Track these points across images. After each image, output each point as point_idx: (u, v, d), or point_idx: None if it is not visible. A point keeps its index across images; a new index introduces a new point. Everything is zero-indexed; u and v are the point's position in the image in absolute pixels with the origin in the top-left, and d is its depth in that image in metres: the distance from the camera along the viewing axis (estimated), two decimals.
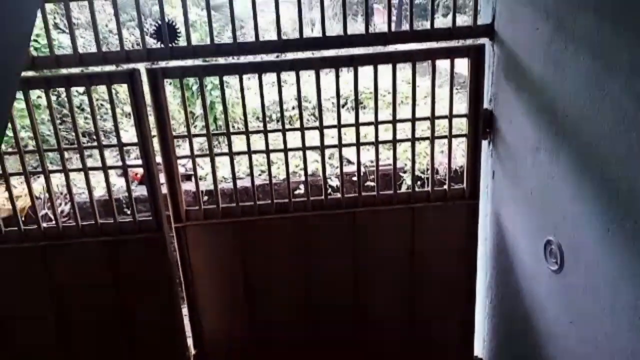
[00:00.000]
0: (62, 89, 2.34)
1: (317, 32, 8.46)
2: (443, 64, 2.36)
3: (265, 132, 2.33)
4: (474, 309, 2.62)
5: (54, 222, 2.34)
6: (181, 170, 4.83)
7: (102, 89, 2.28)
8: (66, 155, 2.35)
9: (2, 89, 0.85)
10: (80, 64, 2.23)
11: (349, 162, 4.83)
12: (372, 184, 2.48)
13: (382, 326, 2.63)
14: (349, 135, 2.38)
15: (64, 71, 2.38)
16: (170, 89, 6.74)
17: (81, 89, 2.41)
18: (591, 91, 1.60)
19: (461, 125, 2.44)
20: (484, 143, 2.40)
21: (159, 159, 2.32)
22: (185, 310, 2.50)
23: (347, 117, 2.26)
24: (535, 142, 1.96)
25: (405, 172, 4.57)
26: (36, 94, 4.98)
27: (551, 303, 1.97)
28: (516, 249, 2.22)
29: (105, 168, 2.32)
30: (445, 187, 2.45)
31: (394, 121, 2.34)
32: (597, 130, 1.59)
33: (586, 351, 1.76)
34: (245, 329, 2.57)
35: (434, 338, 2.66)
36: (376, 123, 2.34)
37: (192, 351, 2.52)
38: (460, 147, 2.45)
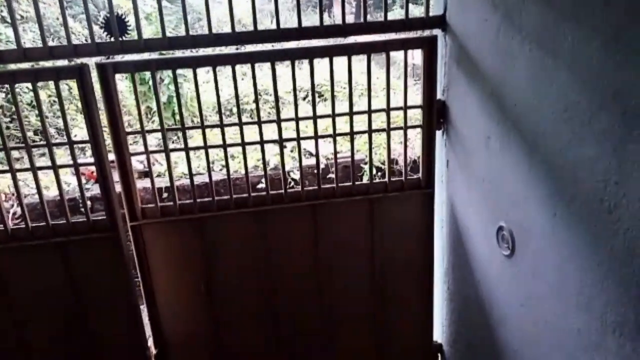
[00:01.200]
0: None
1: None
2: (400, 56, 2.39)
3: (222, 126, 2.30)
4: (432, 296, 2.68)
5: (1, 225, 2.24)
6: (140, 166, 4.71)
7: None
8: (18, 154, 2.25)
9: None
10: (25, 59, 2.13)
11: (310, 154, 4.83)
12: (333, 176, 2.49)
13: (344, 317, 2.66)
14: (309, 128, 2.39)
15: (12, 66, 2.28)
16: (127, 84, 6.56)
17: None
18: (538, 80, 1.66)
19: (417, 116, 2.48)
20: (438, 133, 2.45)
21: (113, 156, 2.25)
22: (144, 311, 2.45)
23: (308, 109, 2.26)
24: (486, 131, 2.01)
25: (365, 163, 4.61)
26: None
27: (503, 287, 2.03)
28: (471, 235, 2.28)
29: (55, 167, 2.23)
30: (402, 177, 2.48)
31: (351, 113, 2.35)
32: (543, 118, 1.65)
33: (537, 331, 1.83)
34: (207, 327, 2.54)
35: (395, 325, 2.71)
36: (333, 115, 2.35)
37: (153, 351, 2.48)
38: (417, 138, 2.49)
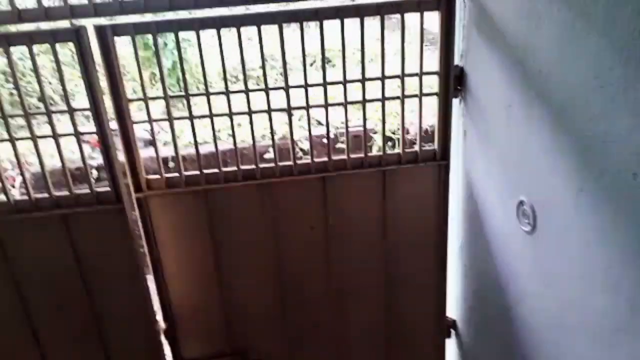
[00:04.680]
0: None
1: None
2: (413, 21, 2.24)
3: (227, 93, 2.20)
4: (446, 271, 2.62)
5: (3, 195, 2.18)
6: (146, 135, 4.61)
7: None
8: (22, 122, 2.16)
9: None
10: (19, 20, 2.02)
11: (319, 123, 4.71)
12: (343, 146, 2.39)
13: (357, 293, 2.61)
14: (319, 96, 2.28)
15: (2, 29, 2.18)
16: (131, 49, 6.39)
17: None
18: (566, 44, 1.53)
19: (432, 83, 2.35)
20: (455, 101, 2.33)
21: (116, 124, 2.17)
22: (152, 284, 2.41)
23: (316, 76, 2.15)
24: (508, 99, 1.89)
25: (375, 132, 4.48)
26: None
27: (523, 264, 1.96)
28: (488, 209, 2.19)
29: (55, 135, 2.15)
30: (416, 148, 2.38)
31: (363, 80, 2.23)
32: (572, 86, 1.53)
33: (559, 311, 1.76)
34: (215, 301, 2.51)
35: (407, 300, 2.66)
36: (344, 82, 2.23)
37: (162, 325, 2.45)
38: (430, 106, 2.38)
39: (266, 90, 2.21)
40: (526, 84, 1.77)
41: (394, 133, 4.52)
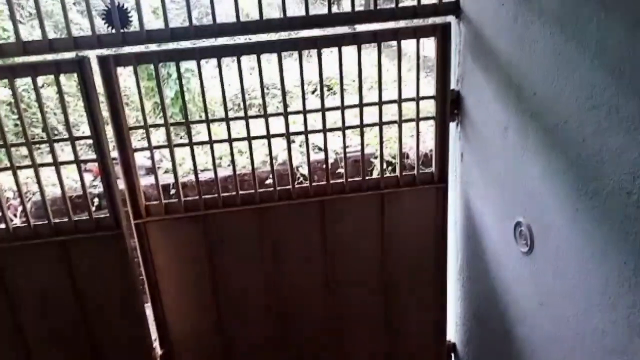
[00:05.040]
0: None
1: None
2: (411, 47, 2.29)
3: (227, 120, 2.23)
4: (446, 294, 2.60)
5: (3, 224, 2.19)
6: (147, 163, 4.66)
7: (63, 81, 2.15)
8: (25, 152, 2.19)
9: None
10: (24, 52, 2.07)
11: (319, 149, 4.75)
12: (343, 171, 2.40)
13: (354, 314, 2.58)
14: (318, 123, 2.32)
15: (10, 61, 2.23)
16: (134, 79, 6.51)
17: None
18: (559, 67, 1.56)
19: (430, 108, 2.38)
20: (452, 125, 2.35)
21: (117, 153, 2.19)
22: (149, 310, 2.39)
23: (316, 103, 2.21)
24: (504, 122, 1.91)
25: (375, 157, 4.51)
26: None
27: (521, 285, 1.94)
28: (486, 231, 2.19)
29: (56, 163, 2.18)
30: (414, 171, 2.39)
31: (361, 105, 2.26)
32: (565, 108, 1.55)
33: (556, 331, 1.74)
34: (213, 327, 2.48)
35: (406, 324, 2.62)
36: (342, 108, 2.27)
37: (159, 351, 2.42)
38: (429, 131, 2.40)
39: (265, 116, 2.24)
40: (521, 106, 1.79)
41: (393, 158, 4.55)
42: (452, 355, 2.74)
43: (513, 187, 1.90)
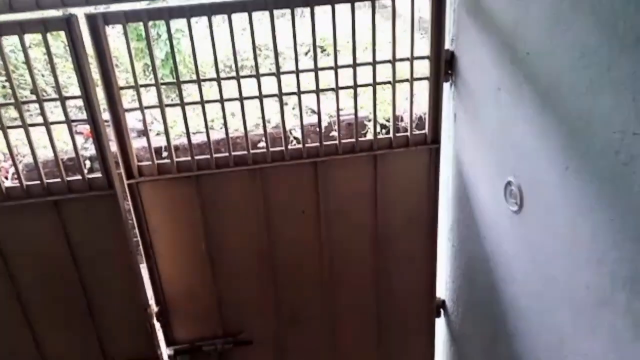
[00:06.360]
0: None
1: None
2: (404, 10, 2.25)
3: (219, 79, 2.21)
4: (436, 252, 2.66)
5: None
6: (139, 125, 4.63)
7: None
8: (15, 114, 2.16)
9: None
10: (10, 9, 2.02)
11: (313, 112, 4.72)
12: (336, 133, 2.40)
13: (346, 273, 2.63)
14: (311, 85, 2.31)
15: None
16: (124, 40, 6.38)
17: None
18: (553, 25, 1.54)
19: (424, 69, 2.36)
20: (446, 86, 2.34)
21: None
22: (145, 270, 2.43)
23: (309, 64, 2.19)
24: (497, 82, 1.91)
25: (369, 120, 4.50)
26: None
27: (511, 243, 1.98)
28: (477, 191, 2.22)
29: (47, 124, 2.16)
30: (408, 133, 2.39)
31: (354, 65, 2.24)
32: (558, 66, 1.55)
33: (544, 288, 1.79)
34: (207, 285, 2.52)
35: (399, 282, 2.69)
36: (336, 67, 2.24)
37: (154, 308, 2.47)
38: (423, 94, 2.39)
39: (257, 76, 2.22)
40: (514, 66, 1.78)
41: (387, 121, 4.53)
42: (442, 311, 2.82)
43: (504, 147, 1.92)
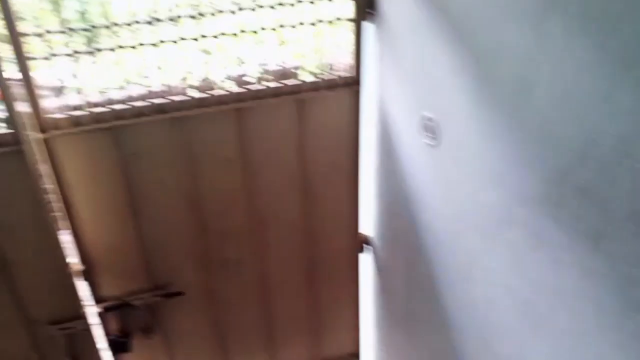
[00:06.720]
0: None
1: None
2: None
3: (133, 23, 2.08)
4: (358, 192, 2.75)
5: None
6: (54, 82, 4.29)
7: None
8: None
9: None
10: None
11: (242, 62, 4.58)
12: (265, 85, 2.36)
13: (274, 218, 2.67)
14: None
15: None
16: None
17: None
18: None
19: (347, 11, 2.34)
20: (371, 26, 2.33)
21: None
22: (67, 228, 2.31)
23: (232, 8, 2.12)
24: (415, 19, 1.93)
25: (297, 68, 4.41)
26: None
27: (427, 176, 2.08)
28: (398, 128, 2.28)
29: None
30: (332, 76, 2.39)
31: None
32: (470, 1, 1.58)
33: (454, 212, 1.92)
34: (132, 238, 2.47)
35: (325, 223, 2.77)
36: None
37: (79, 267, 2.38)
38: (348, 37, 2.38)
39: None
40: (431, 2, 1.80)
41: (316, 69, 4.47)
42: (367, 246, 2.95)
43: (422, 82, 1.97)
